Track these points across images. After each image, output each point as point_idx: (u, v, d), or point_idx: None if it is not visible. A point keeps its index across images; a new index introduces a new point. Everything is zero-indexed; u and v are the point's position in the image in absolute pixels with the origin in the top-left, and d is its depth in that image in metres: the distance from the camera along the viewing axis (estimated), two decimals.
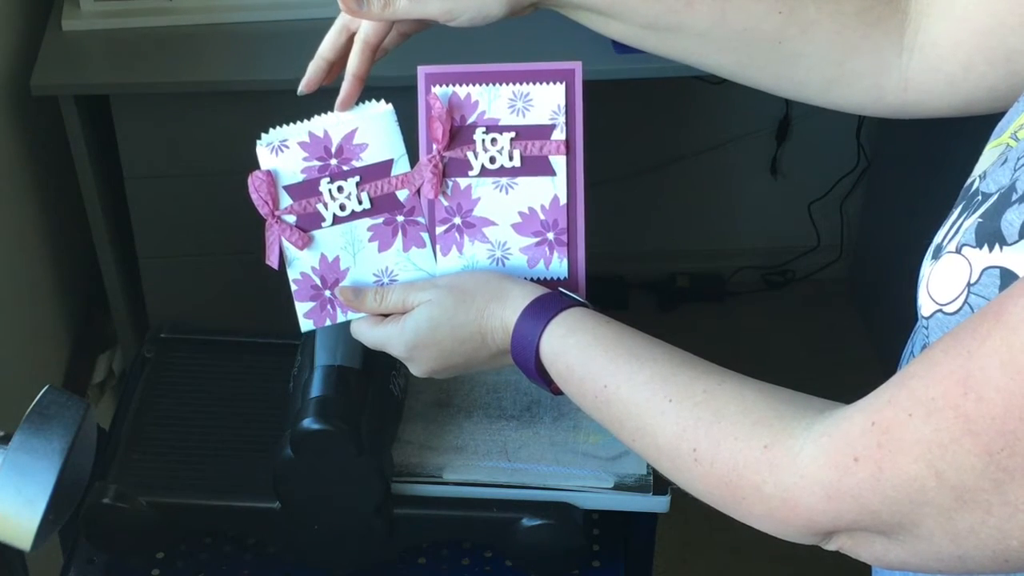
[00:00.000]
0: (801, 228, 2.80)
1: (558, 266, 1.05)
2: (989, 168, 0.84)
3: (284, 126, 1.05)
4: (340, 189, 1.04)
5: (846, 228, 2.81)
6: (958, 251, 0.78)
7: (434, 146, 1.03)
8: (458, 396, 1.33)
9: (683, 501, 1.23)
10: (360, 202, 1.04)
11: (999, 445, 0.68)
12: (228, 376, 1.40)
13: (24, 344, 1.93)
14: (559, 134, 1.03)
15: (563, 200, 1.04)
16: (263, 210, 1.04)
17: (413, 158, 1.05)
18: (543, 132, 1.03)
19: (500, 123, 1.03)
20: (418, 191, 1.04)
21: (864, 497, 0.74)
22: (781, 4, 0.99)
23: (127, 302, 2.15)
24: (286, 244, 1.04)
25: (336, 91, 1.08)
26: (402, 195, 1.05)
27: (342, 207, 1.04)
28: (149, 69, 1.93)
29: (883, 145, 2.68)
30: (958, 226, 0.80)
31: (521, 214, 1.04)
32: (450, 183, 1.04)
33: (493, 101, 1.03)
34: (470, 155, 1.03)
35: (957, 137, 2.37)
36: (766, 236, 2.83)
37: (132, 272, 2.14)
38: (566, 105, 1.03)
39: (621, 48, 1.84)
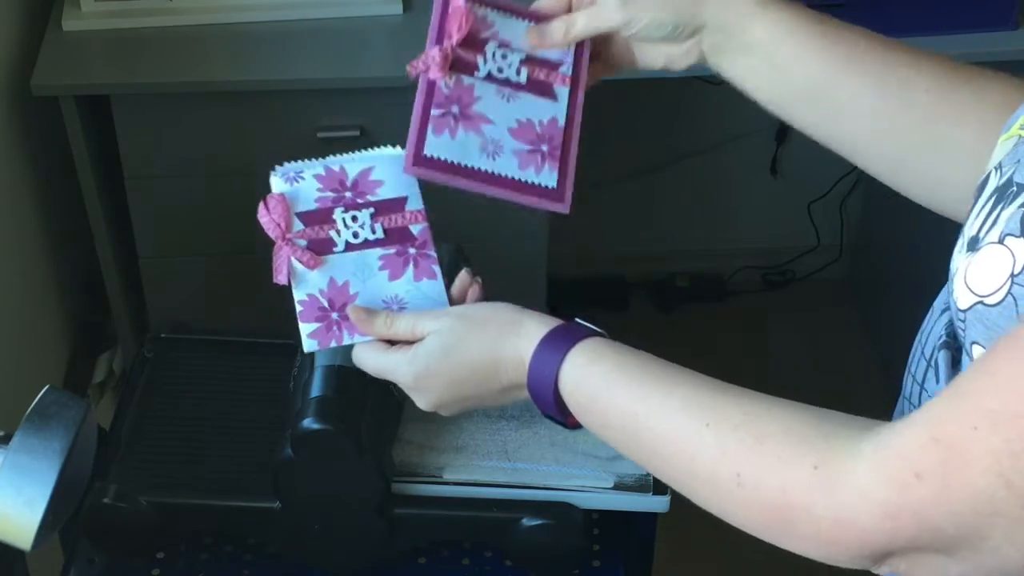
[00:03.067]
0: (801, 228, 2.80)
1: (548, 175, 1.05)
2: (1004, 159, 0.83)
3: (299, 161, 1.04)
4: (354, 218, 1.03)
5: (846, 228, 2.81)
6: (1001, 241, 0.77)
7: (446, 41, 1.03)
8: None
9: (683, 501, 1.23)
10: (373, 232, 1.04)
11: None
12: (228, 376, 1.40)
13: (24, 344, 1.93)
14: (566, 69, 1.05)
15: (561, 123, 1.05)
16: (274, 232, 1.02)
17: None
18: (552, 65, 1.05)
19: (512, 46, 1.05)
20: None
21: (926, 513, 0.73)
22: (935, 82, 0.96)
23: (127, 302, 2.15)
24: (295, 263, 1.02)
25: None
26: (415, 229, 1.04)
27: (355, 235, 1.03)
28: (149, 69, 1.93)
29: None
30: (995, 217, 0.79)
31: (519, 121, 1.05)
32: (453, 77, 1.04)
33: (510, 29, 1.05)
34: (479, 59, 1.04)
35: None
36: (766, 236, 2.83)
37: (132, 272, 2.14)
38: (575, 49, 1.05)
39: None
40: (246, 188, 2.05)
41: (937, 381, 0.85)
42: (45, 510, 0.86)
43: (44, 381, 0.96)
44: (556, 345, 0.93)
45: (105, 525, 1.25)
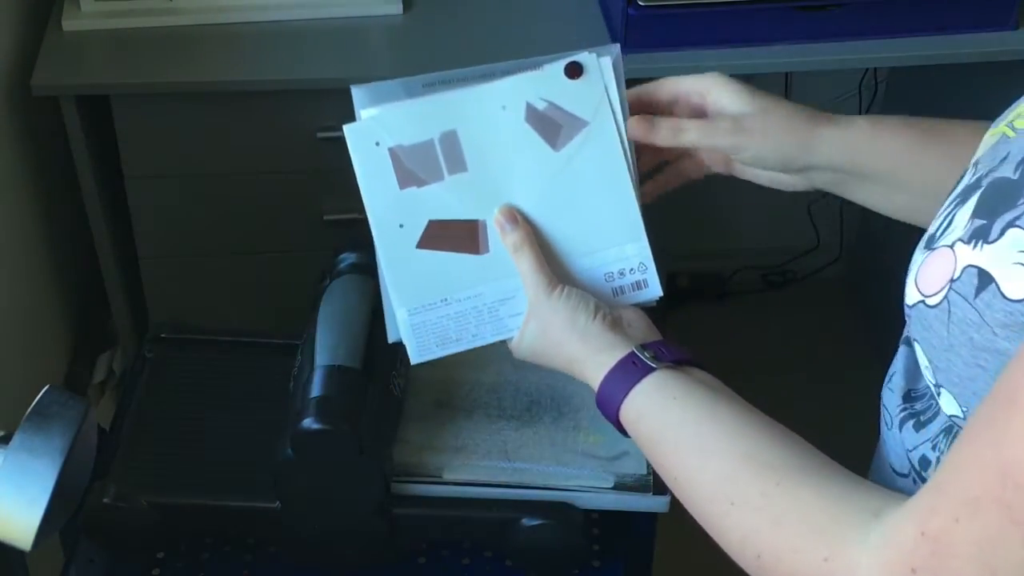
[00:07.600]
0: (801, 228, 2.80)
1: None
2: (983, 156, 0.83)
3: None
4: None
5: (846, 228, 2.81)
6: (951, 246, 0.78)
7: None
8: (458, 396, 1.33)
9: None
10: None
11: None
12: (228, 376, 1.40)
13: (24, 344, 1.93)
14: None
15: None
16: None
17: None
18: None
19: None
20: None
21: None
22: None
23: (127, 302, 2.15)
24: None
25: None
26: None
27: None
28: (149, 69, 1.93)
29: None
30: (951, 217, 0.80)
31: None
32: None
33: None
34: None
35: None
36: (766, 236, 2.83)
37: (132, 272, 2.14)
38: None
39: (622, 48, 1.84)
40: (246, 188, 2.07)
41: (894, 376, 0.88)
42: (45, 510, 0.86)
43: (44, 381, 0.96)
44: (613, 392, 0.97)
45: (105, 525, 1.25)
